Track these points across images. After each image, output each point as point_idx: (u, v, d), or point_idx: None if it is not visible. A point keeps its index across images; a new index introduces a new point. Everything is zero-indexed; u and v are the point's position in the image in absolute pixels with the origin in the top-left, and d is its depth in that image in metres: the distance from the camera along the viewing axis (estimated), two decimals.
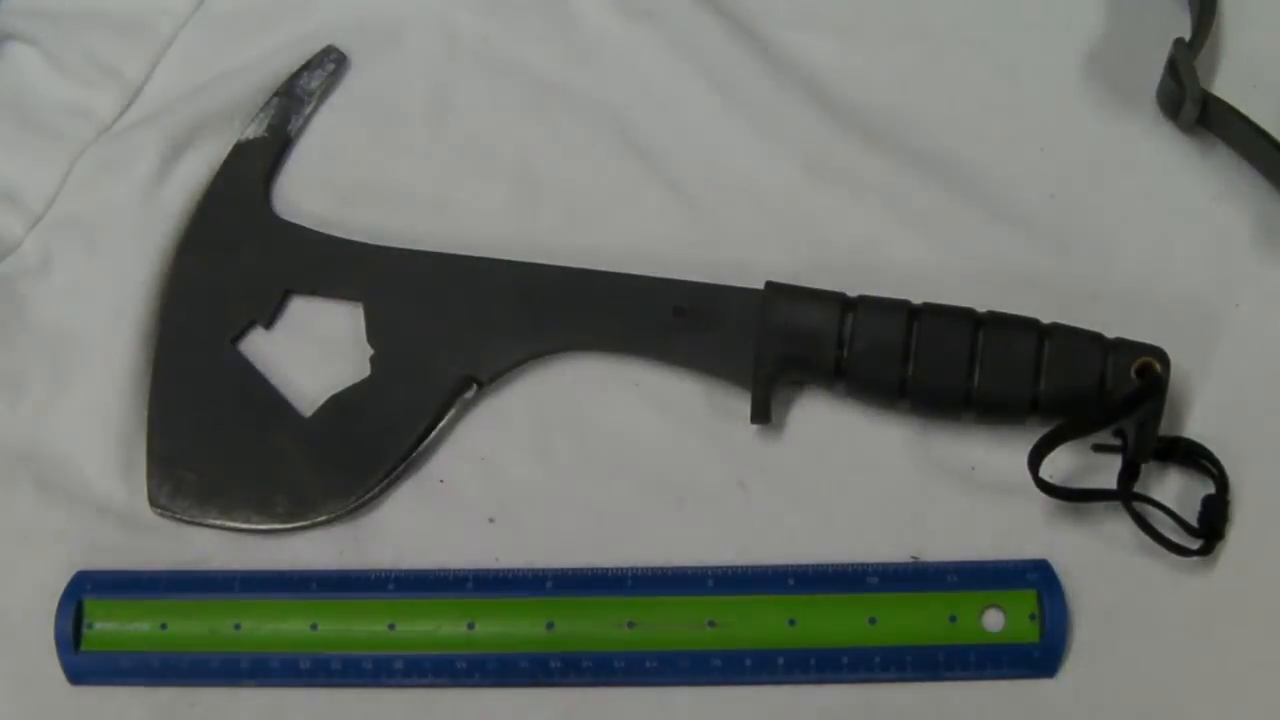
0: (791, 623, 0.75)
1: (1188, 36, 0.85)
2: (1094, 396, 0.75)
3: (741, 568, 0.77)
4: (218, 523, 0.80)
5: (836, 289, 0.79)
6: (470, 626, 0.76)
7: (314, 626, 0.77)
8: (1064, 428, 0.74)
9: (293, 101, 0.88)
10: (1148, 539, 0.75)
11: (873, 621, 0.75)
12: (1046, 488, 0.75)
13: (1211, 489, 0.77)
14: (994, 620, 0.75)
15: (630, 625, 0.76)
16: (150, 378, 0.83)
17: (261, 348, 0.84)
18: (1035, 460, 0.75)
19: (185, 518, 0.80)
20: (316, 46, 0.90)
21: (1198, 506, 0.76)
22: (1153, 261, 0.82)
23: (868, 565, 0.77)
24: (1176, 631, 0.75)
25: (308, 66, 0.89)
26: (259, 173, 0.87)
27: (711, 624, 0.76)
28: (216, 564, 0.79)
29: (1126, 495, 0.76)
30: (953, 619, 0.75)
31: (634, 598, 0.77)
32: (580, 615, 0.76)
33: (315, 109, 0.89)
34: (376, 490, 0.80)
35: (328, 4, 0.91)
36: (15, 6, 0.91)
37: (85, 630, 0.77)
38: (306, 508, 0.80)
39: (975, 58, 0.88)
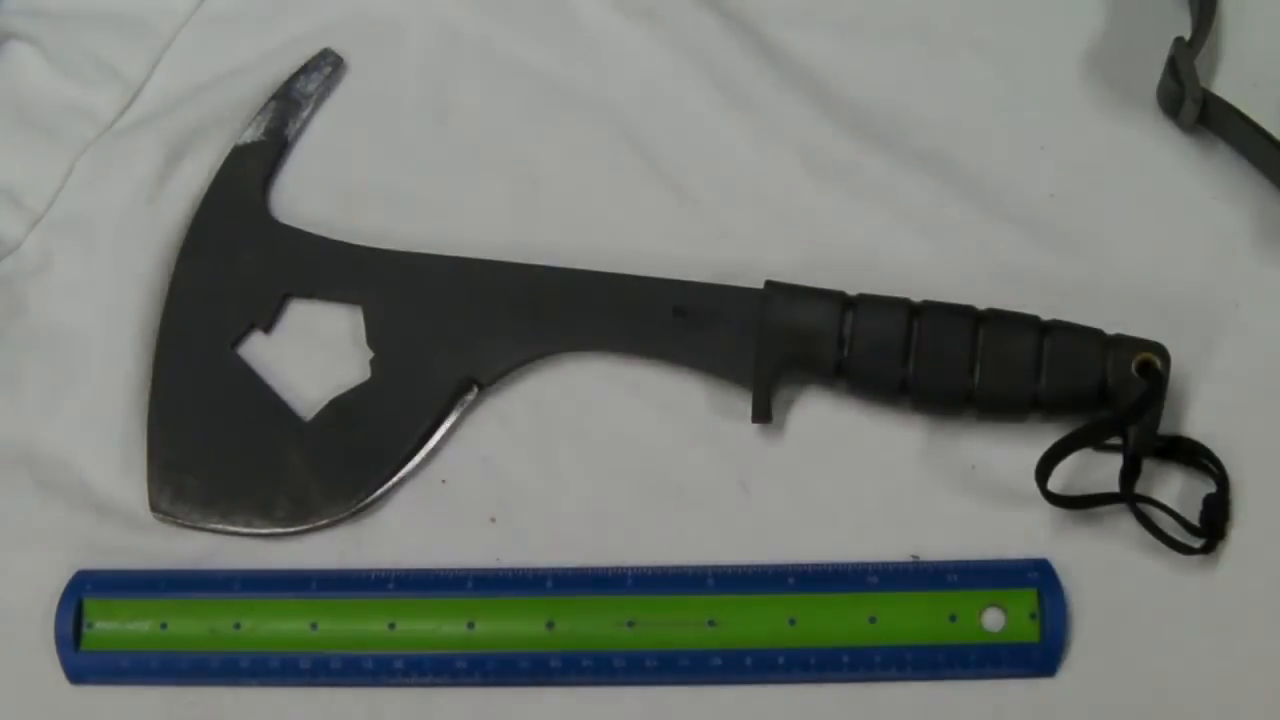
0: (792, 622, 0.75)
1: (1188, 36, 0.85)
2: (1094, 393, 0.75)
3: (742, 567, 0.77)
4: (219, 527, 0.80)
5: (837, 288, 0.79)
6: (470, 626, 0.76)
7: (314, 626, 0.77)
8: (1073, 437, 0.75)
9: (290, 105, 0.88)
10: (1148, 538, 0.75)
11: (873, 621, 0.75)
12: (1053, 499, 0.75)
13: (1212, 488, 0.77)
14: (994, 619, 0.75)
15: (630, 625, 0.76)
16: (149, 382, 0.82)
17: (261, 351, 0.84)
18: (1044, 472, 0.75)
19: (186, 522, 0.80)
20: (318, 46, 0.90)
21: (1199, 506, 0.76)
22: (1153, 261, 0.82)
23: (868, 564, 0.77)
24: (1177, 630, 0.75)
25: (305, 70, 0.89)
26: (257, 176, 0.87)
27: (712, 623, 0.76)
28: (216, 564, 0.79)
29: (1130, 497, 0.76)
30: (953, 618, 0.75)
31: (634, 597, 0.76)
32: (580, 615, 0.76)
33: (313, 112, 0.89)
34: (377, 494, 0.80)
35: (327, 4, 0.91)
36: (15, 6, 0.91)
37: (85, 630, 0.77)
38: (307, 511, 0.80)
39: (975, 57, 0.88)
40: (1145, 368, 0.75)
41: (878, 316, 0.77)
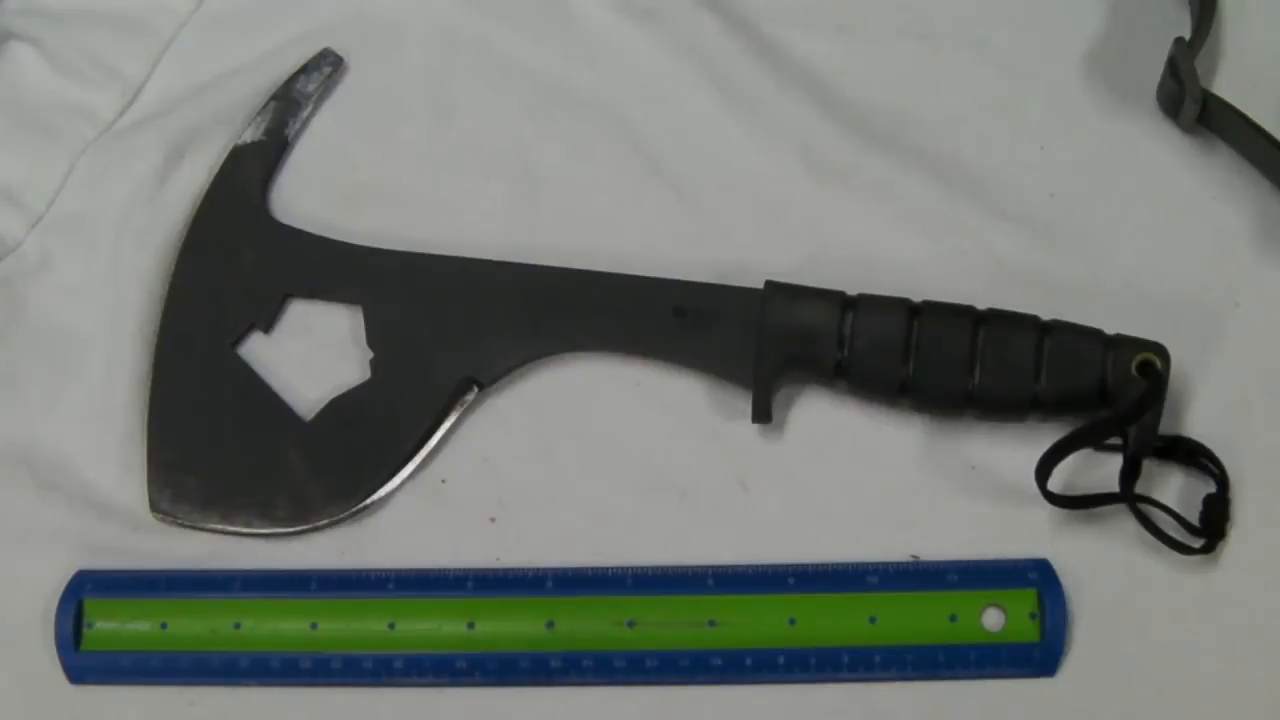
0: (792, 622, 0.76)
1: (1188, 36, 0.85)
2: (1094, 393, 0.75)
3: (742, 567, 0.77)
4: (219, 527, 0.80)
5: (836, 287, 0.79)
6: (470, 626, 0.76)
7: (314, 626, 0.77)
8: (1072, 438, 0.75)
9: (289, 105, 0.88)
10: (1148, 538, 0.75)
11: (873, 621, 0.75)
12: (1053, 498, 0.75)
13: (1212, 488, 0.77)
14: (994, 619, 0.75)
15: (630, 624, 0.76)
16: (149, 383, 0.82)
17: (261, 352, 0.84)
18: (1044, 473, 0.75)
19: (186, 523, 0.80)
20: (318, 46, 0.89)
21: (1199, 506, 0.77)
22: (1153, 260, 0.82)
23: (868, 564, 0.77)
24: (1176, 630, 0.75)
25: (304, 70, 0.89)
26: (256, 177, 0.87)
27: (712, 623, 0.76)
28: (216, 564, 0.79)
29: (1131, 497, 0.76)
30: (953, 618, 0.75)
31: (634, 597, 0.77)
32: (580, 615, 0.76)
33: (313, 112, 0.89)
34: (377, 494, 0.80)
35: (327, 4, 0.91)
36: (15, 6, 0.91)
37: (85, 630, 0.77)
38: (308, 512, 0.80)
39: (975, 58, 0.88)
40: (1145, 368, 0.75)
41: (878, 316, 0.77)
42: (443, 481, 0.81)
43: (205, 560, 0.79)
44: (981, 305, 0.78)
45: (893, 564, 0.77)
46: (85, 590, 0.78)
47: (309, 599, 0.77)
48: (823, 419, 0.81)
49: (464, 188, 0.87)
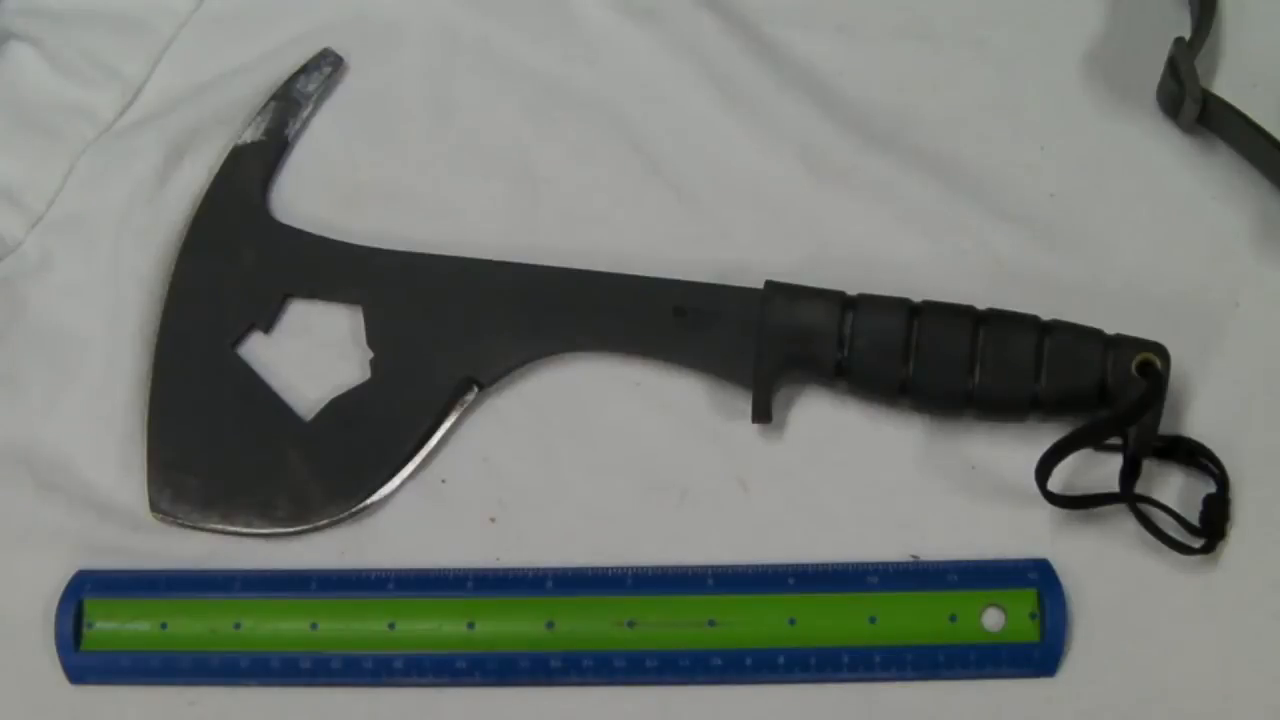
0: (792, 622, 0.75)
1: (1188, 36, 0.85)
2: (1094, 393, 0.75)
3: (742, 567, 0.77)
4: (219, 527, 0.80)
5: (836, 287, 0.79)
6: (470, 626, 0.76)
7: (314, 626, 0.77)
8: (1072, 438, 0.75)
9: (289, 105, 0.88)
10: (1148, 538, 0.75)
11: (873, 621, 0.75)
12: (1053, 498, 0.75)
13: (1212, 488, 0.77)
14: (994, 619, 0.75)
15: (630, 624, 0.76)
16: (149, 383, 0.82)
17: (261, 352, 0.84)
18: (1044, 473, 0.75)
19: (186, 523, 0.80)
20: (318, 46, 0.89)
21: (1199, 506, 0.76)
22: (1153, 260, 0.82)
23: (868, 564, 0.77)
24: (1176, 630, 0.75)
25: (304, 70, 0.89)
26: (256, 177, 0.87)
27: (712, 623, 0.76)
28: (216, 564, 0.79)
29: (1131, 497, 0.76)
30: (953, 618, 0.75)
31: (634, 597, 0.77)
32: (580, 615, 0.76)
33: (313, 112, 0.89)
34: (377, 494, 0.80)
35: (327, 4, 0.91)
36: (15, 6, 0.91)
37: (85, 630, 0.77)
38: (308, 512, 0.80)
39: (975, 58, 0.88)
40: (1145, 368, 0.75)
41: (878, 316, 0.77)
42: (443, 481, 0.81)
43: (205, 560, 0.79)
44: (981, 305, 0.78)
45: (893, 564, 0.77)
46: (85, 590, 0.78)
47: (309, 599, 0.77)
48: (823, 419, 0.81)
49: (464, 188, 0.87)
